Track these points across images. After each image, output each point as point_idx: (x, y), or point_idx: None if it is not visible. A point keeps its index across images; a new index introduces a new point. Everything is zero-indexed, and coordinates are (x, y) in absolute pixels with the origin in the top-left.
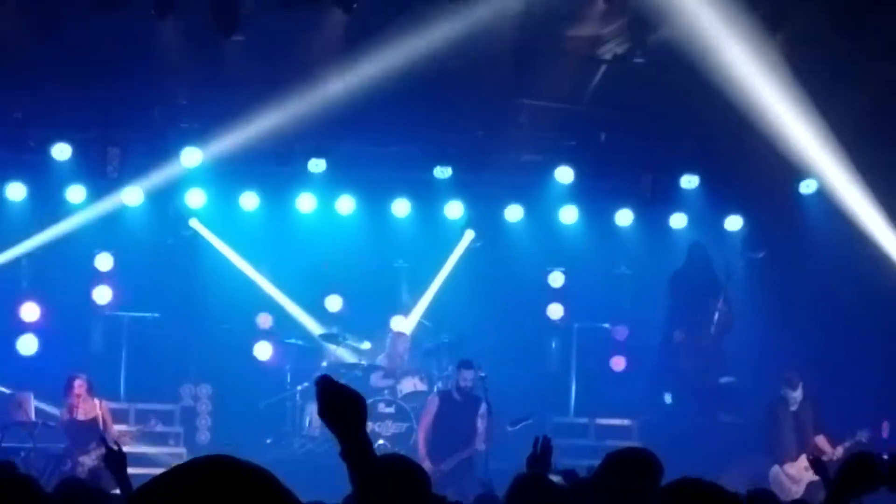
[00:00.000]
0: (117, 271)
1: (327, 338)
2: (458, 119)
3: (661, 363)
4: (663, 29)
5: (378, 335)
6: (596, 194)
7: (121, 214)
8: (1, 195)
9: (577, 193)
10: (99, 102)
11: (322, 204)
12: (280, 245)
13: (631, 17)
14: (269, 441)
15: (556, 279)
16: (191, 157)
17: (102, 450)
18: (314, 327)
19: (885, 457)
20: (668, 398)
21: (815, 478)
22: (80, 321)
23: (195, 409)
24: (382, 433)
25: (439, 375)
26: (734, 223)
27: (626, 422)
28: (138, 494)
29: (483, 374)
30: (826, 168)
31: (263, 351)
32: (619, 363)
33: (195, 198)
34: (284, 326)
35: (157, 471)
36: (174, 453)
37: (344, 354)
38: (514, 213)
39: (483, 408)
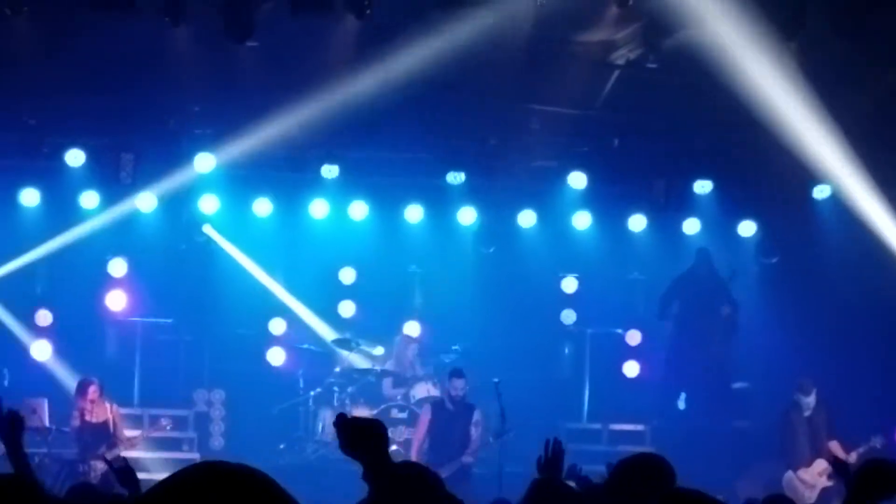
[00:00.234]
0: (131, 277)
1: (340, 343)
2: (470, 125)
3: (668, 368)
4: (677, 34)
5: (391, 341)
6: (609, 200)
7: (134, 220)
8: (15, 201)
9: (590, 199)
10: (113, 109)
11: (335, 210)
12: (293, 251)
13: (644, 21)
14: (282, 446)
15: (570, 285)
16: (204, 162)
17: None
18: (327, 333)
19: None
20: (681, 403)
21: (829, 483)
22: (94, 327)
23: (208, 414)
24: (395, 438)
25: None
26: (747, 228)
27: (639, 427)
28: (143, 499)
29: (496, 380)
30: (840, 173)
31: (276, 356)
32: (632, 368)
33: (208, 204)
34: (297, 332)
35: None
36: (188, 459)
37: (357, 360)
38: (527, 218)
39: (476, 416)
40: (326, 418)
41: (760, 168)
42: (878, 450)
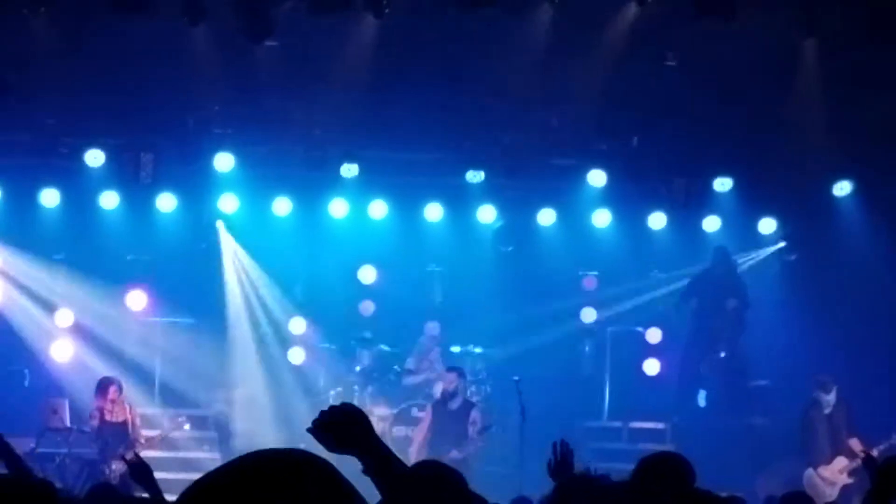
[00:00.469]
0: (151, 277)
1: (361, 342)
2: (490, 123)
3: (684, 365)
4: (696, 32)
5: (411, 339)
6: (629, 198)
7: (154, 220)
8: (35, 201)
9: (609, 197)
10: (132, 109)
11: (355, 209)
12: (313, 250)
13: (664, 19)
14: (302, 445)
15: (590, 283)
16: (223, 162)
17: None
18: (348, 332)
19: None
20: (701, 401)
21: (850, 480)
22: (114, 327)
23: (229, 413)
24: (416, 438)
25: (472, 380)
26: (768, 226)
27: (659, 425)
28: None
29: (516, 378)
30: (860, 170)
31: (297, 355)
32: (652, 366)
33: (228, 203)
34: (318, 331)
35: (190, 476)
36: (208, 458)
37: (377, 359)
38: (546, 217)
39: (473, 415)
40: None
41: (781, 165)
42: None
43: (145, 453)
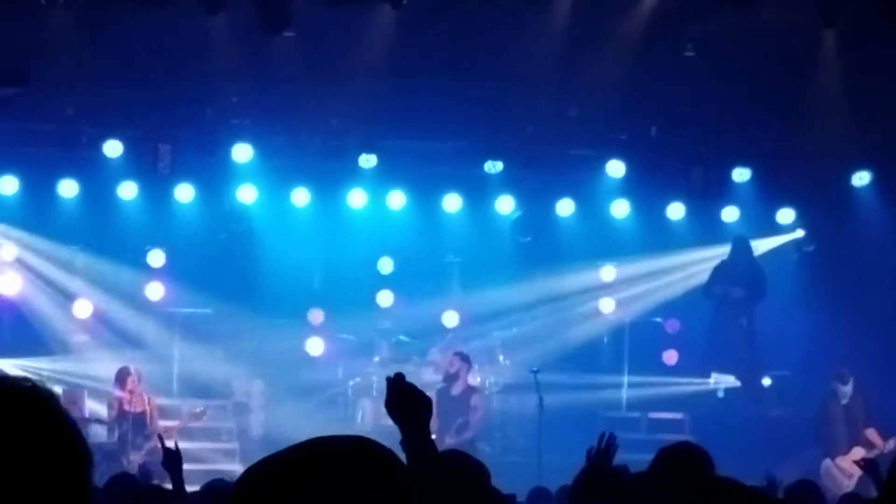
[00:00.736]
0: (169, 267)
1: (379, 333)
2: (508, 114)
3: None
4: (714, 22)
5: (430, 330)
6: (647, 188)
7: (172, 211)
8: (53, 192)
9: (628, 187)
10: (150, 99)
11: (373, 199)
12: (331, 240)
13: (683, 9)
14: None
15: (608, 273)
16: (242, 153)
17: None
18: (366, 323)
19: None
20: (720, 392)
21: None
22: (133, 317)
23: (247, 404)
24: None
25: (491, 371)
26: (786, 216)
27: (678, 415)
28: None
29: (535, 369)
30: (879, 160)
31: (315, 346)
32: (671, 357)
33: (246, 194)
34: (336, 322)
35: (207, 466)
36: (227, 448)
37: (396, 349)
38: (565, 207)
39: (473, 401)
40: (366, 408)
41: (799, 155)
42: None
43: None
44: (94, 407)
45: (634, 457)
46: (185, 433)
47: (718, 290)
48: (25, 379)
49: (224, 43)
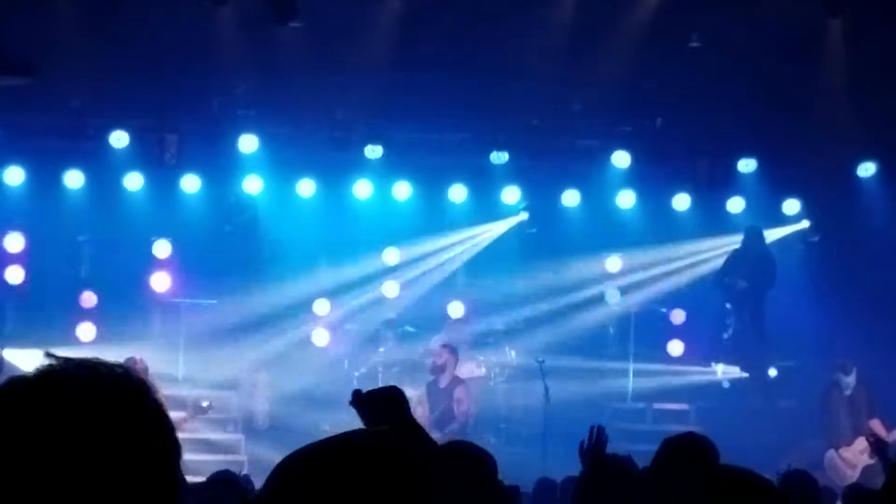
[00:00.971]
0: (175, 258)
1: (385, 324)
2: (513, 104)
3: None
4: (720, 13)
5: (436, 321)
6: (653, 179)
7: (178, 201)
8: (59, 183)
9: (633, 178)
10: (156, 90)
11: (379, 190)
12: (337, 231)
13: (688, 0)
14: (326, 428)
15: (613, 264)
16: (248, 143)
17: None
18: (371, 313)
19: None
20: (725, 382)
21: (872, 461)
22: (138, 308)
23: (253, 395)
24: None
25: (496, 361)
26: (792, 207)
27: (683, 406)
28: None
29: (541, 360)
30: (884, 151)
31: (321, 337)
32: (676, 347)
33: (252, 184)
34: (342, 313)
35: (213, 457)
36: (232, 440)
37: (402, 340)
38: (570, 198)
39: (457, 393)
40: None
41: (805, 146)
42: None
43: None
44: None
45: (640, 447)
46: (188, 424)
47: (726, 281)
48: (118, 365)
49: (230, 33)
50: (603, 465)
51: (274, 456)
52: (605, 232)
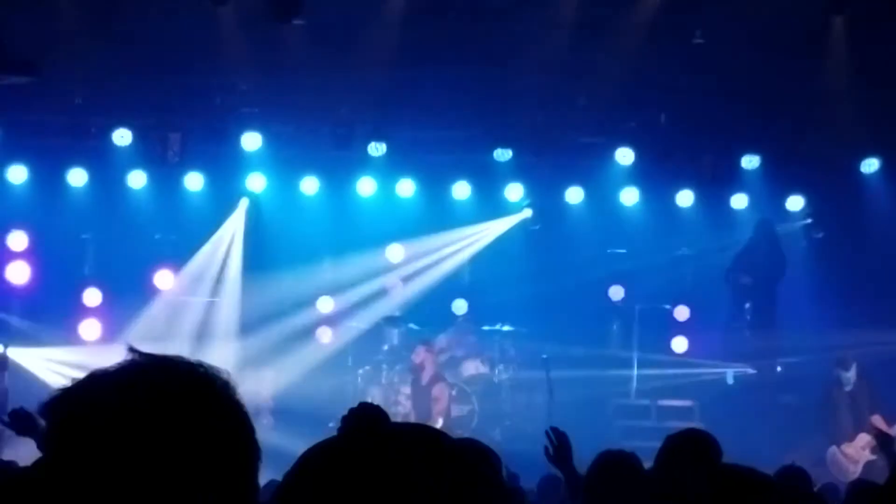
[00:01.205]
0: (179, 256)
1: (389, 321)
2: (517, 102)
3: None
4: (723, 9)
5: (439, 318)
6: (656, 175)
7: (182, 199)
8: (63, 181)
9: (637, 175)
10: (159, 88)
11: (382, 187)
12: (340, 229)
13: None
14: (331, 425)
15: (617, 261)
16: (251, 141)
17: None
18: (375, 311)
19: None
20: (729, 379)
21: (873, 457)
22: (143, 306)
23: (257, 392)
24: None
25: (501, 358)
26: (796, 203)
27: (687, 403)
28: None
29: (545, 356)
30: (888, 147)
31: (325, 335)
32: (680, 344)
33: (256, 182)
34: (345, 310)
35: None
36: None
37: (405, 337)
38: (574, 194)
39: (435, 391)
40: (375, 396)
41: (808, 142)
42: None
43: None
44: None
45: (644, 444)
46: None
47: (731, 277)
48: (200, 364)
49: (233, 31)
50: (607, 463)
51: (277, 453)
52: (608, 229)
